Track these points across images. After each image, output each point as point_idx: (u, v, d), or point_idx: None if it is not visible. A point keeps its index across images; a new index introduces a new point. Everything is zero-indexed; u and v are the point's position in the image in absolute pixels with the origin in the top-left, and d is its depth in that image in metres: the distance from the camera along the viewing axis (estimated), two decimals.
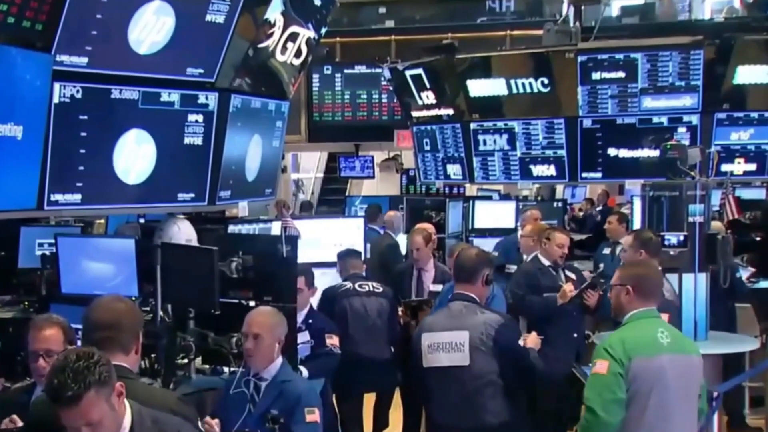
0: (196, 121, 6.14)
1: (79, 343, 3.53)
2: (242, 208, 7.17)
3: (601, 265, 8.03)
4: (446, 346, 4.66)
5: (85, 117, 5.28)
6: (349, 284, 6.64)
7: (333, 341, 5.92)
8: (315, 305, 6.32)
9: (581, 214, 17.36)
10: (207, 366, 5.66)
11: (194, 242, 6.23)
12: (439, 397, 4.72)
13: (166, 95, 5.84)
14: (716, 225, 7.74)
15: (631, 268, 4.46)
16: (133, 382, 3.03)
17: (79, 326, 5.13)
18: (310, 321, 5.99)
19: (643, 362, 3.97)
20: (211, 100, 6.22)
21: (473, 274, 4.80)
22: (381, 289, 6.70)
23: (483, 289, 4.85)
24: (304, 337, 5.87)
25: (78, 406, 2.59)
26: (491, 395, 4.57)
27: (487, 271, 4.84)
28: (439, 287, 7.14)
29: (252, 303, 5.41)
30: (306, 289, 5.98)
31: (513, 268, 8.26)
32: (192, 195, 6.31)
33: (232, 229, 6.86)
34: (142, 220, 7.80)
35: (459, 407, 4.62)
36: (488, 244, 9.27)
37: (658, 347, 4.02)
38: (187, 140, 6.11)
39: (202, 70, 6.03)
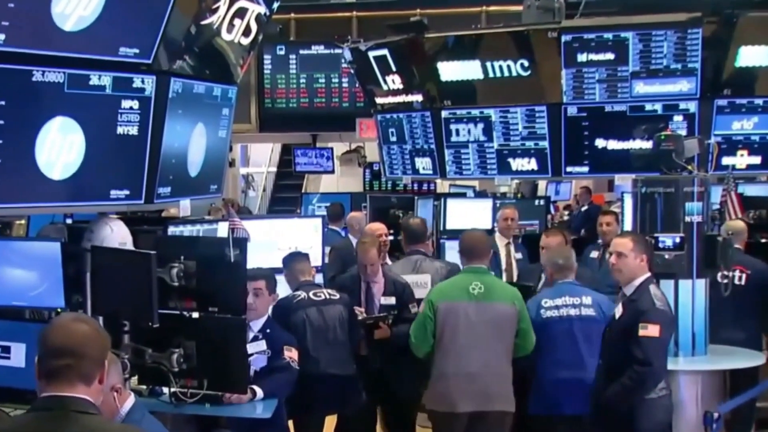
0: (131, 108, 6.08)
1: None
2: (184, 206, 7.13)
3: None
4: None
5: (2, 102, 5.20)
6: (302, 294, 6.63)
7: (292, 354, 5.95)
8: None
9: (567, 213, 17.48)
10: (144, 386, 5.63)
11: (129, 246, 6.18)
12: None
13: (95, 78, 5.77)
14: (737, 225, 7.81)
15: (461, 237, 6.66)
16: (90, 418, 2.98)
17: None
18: (269, 330, 6.01)
19: (447, 306, 6.19)
20: (147, 84, 6.16)
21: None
22: (337, 296, 6.71)
23: None
24: (260, 346, 5.88)
25: None
26: None
27: None
28: (391, 300, 7.16)
29: (195, 314, 5.40)
30: (267, 294, 6.00)
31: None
32: (126, 192, 6.25)
33: (172, 230, 6.82)
34: (68, 221, 7.72)
35: None
36: None
37: (466, 295, 6.20)
38: (120, 130, 6.05)
39: (137, 50, 5.97)
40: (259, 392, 5.70)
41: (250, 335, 5.92)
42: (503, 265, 9.06)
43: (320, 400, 6.53)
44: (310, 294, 6.64)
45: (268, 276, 6.09)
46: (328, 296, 6.68)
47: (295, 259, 6.95)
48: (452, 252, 8.87)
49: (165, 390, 5.50)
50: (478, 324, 6.17)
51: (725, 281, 7.16)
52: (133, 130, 6.14)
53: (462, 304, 6.23)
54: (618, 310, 5.95)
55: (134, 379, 5.49)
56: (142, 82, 6.12)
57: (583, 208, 16.40)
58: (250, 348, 5.86)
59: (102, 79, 5.80)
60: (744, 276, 7.44)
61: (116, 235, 6.18)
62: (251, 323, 5.95)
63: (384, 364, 7.11)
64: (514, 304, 6.26)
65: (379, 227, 8.61)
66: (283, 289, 6.92)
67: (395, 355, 7.11)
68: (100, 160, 5.92)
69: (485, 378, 6.14)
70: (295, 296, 6.65)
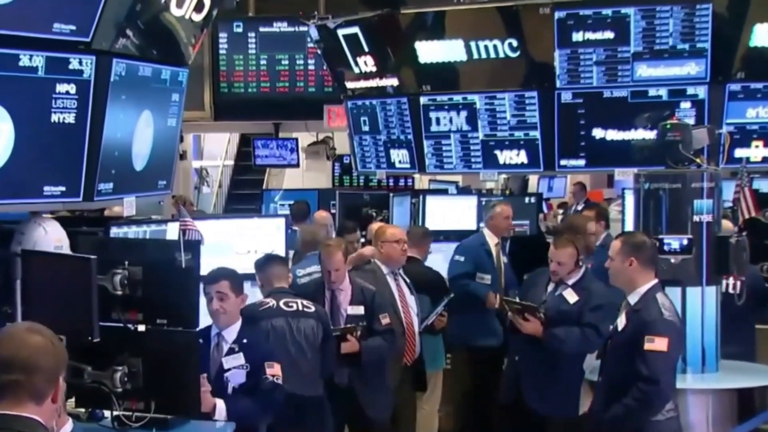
0: (67, 93, 6.05)
1: None
2: (128, 205, 7.09)
3: None
4: None
5: None
6: (272, 302, 6.60)
7: (275, 371, 5.89)
8: None
9: (561, 212, 17.49)
10: (82, 409, 5.58)
11: (66, 249, 6.14)
12: None
13: (26, 59, 5.73)
14: (725, 225, 7.83)
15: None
16: None
17: None
18: (245, 341, 5.95)
19: None
20: (86, 65, 6.13)
21: None
22: (312, 309, 6.67)
23: None
24: (238, 359, 5.84)
25: None
26: None
27: None
28: (359, 309, 7.16)
29: (141, 327, 5.35)
30: (233, 296, 5.93)
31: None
32: (62, 188, 6.22)
33: (115, 232, 6.78)
34: None
35: None
36: (448, 250, 9.29)
37: None
38: (54, 117, 6.02)
39: (73, 27, 5.93)
40: (221, 407, 5.64)
41: (225, 347, 5.87)
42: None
43: (279, 422, 6.49)
44: (281, 303, 6.60)
45: (231, 275, 6.02)
46: (301, 307, 6.63)
47: (270, 263, 6.90)
48: (431, 255, 8.86)
49: (106, 413, 5.45)
50: None
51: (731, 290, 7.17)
52: (70, 118, 6.10)
53: None
54: (621, 321, 5.95)
55: (71, 401, 5.43)
56: (80, 63, 6.08)
57: (579, 207, 16.38)
58: (227, 362, 5.82)
59: (33, 60, 5.77)
60: (738, 283, 7.44)
61: (50, 237, 6.13)
62: (224, 333, 5.90)
63: (352, 380, 7.10)
64: None
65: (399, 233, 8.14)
66: (256, 297, 6.91)
67: (364, 371, 7.10)
68: (31, 152, 5.88)
69: None
70: (263, 303, 6.61)
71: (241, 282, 6.10)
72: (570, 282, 7.20)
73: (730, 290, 7.08)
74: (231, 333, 5.89)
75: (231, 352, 5.83)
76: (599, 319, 6.96)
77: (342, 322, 7.13)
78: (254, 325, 6.45)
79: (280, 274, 6.84)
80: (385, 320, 7.19)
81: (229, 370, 5.81)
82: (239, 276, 6.10)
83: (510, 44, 11.07)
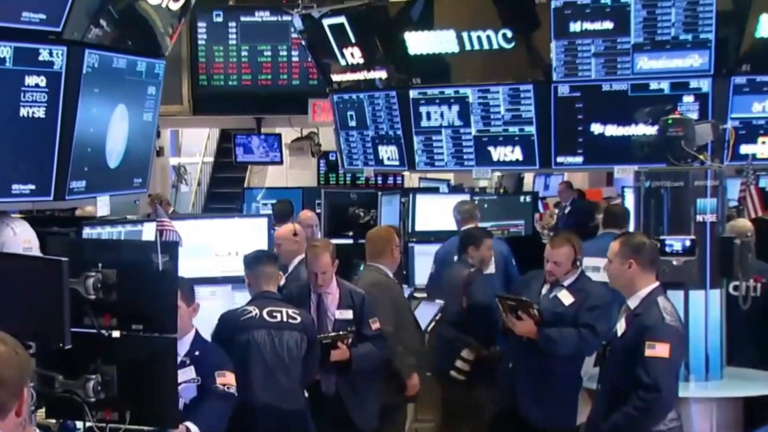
0: (37, 86, 6.04)
1: None
2: (102, 204, 7.07)
3: None
4: None
5: None
6: (254, 310, 6.56)
7: (226, 380, 5.84)
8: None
9: (558, 212, 17.50)
10: (53, 420, 5.57)
11: (35, 251, 6.11)
12: None
13: None
14: (743, 225, 7.83)
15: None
16: None
17: None
18: (197, 353, 5.90)
19: None
20: (56, 57, 6.12)
21: None
22: (297, 320, 6.63)
23: None
24: (188, 373, 5.80)
25: None
26: None
27: None
28: (347, 314, 7.13)
29: (116, 333, 5.34)
30: (184, 306, 5.90)
31: None
32: (32, 187, 6.21)
33: (88, 232, 6.76)
34: None
35: None
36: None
37: None
38: (24, 111, 6.01)
39: (43, 16, 5.92)
40: (195, 430, 5.62)
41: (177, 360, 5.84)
42: None
43: None
44: (264, 312, 6.55)
45: (182, 282, 5.98)
46: (285, 318, 6.58)
47: (261, 262, 6.83)
48: (422, 258, 8.87)
49: (79, 425, 5.43)
50: None
51: (738, 293, 7.18)
52: (40, 112, 6.09)
53: None
54: (620, 326, 5.95)
55: (41, 412, 5.42)
56: (50, 54, 6.08)
57: (566, 210, 16.16)
58: (178, 376, 5.77)
59: (1, 51, 5.75)
60: (759, 286, 7.46)
61: (19, 238, 6.12)
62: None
63: (341, 389, 7.09)
64: None
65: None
66: (227, 303, 6.88)
67: (354, 380, 7.09)
68: None
69: None
70: (245, 312, 6.57)
71: (192, 289, 6.05)
72: (566, 283, 7.20)
73: (751, 293, 7.10)
74: (183, 345, 5.77)
75: (182, 365, 5.74)
76: (596, 319, 6.98)
77: (330, 327, 7.10)
78: (234, 333, 6.43)
79: (270, 275, 6.79)
80: (375, 325, 7.16)
81: (179, 384, 5.76)
82: (189, 282, 6.04)
83: (504, 35, 11.06)
